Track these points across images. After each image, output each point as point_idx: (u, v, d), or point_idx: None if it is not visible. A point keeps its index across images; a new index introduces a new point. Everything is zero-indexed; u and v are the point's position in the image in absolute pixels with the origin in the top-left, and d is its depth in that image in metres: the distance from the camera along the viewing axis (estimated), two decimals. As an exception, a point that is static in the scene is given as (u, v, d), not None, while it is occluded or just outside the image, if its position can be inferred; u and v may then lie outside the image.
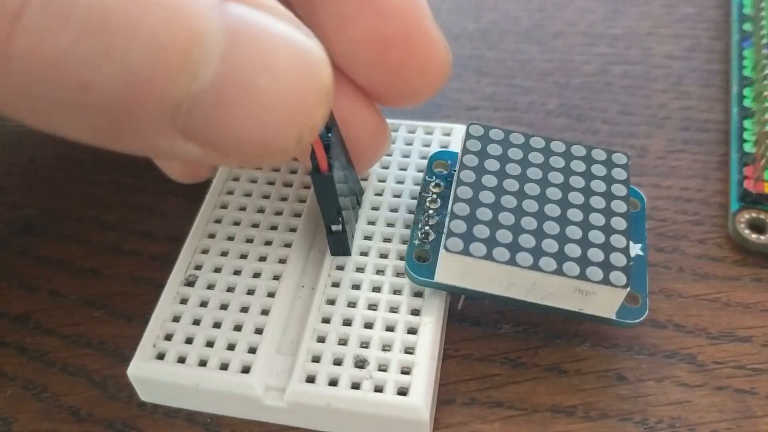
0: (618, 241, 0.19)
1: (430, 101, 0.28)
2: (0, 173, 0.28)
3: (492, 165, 0.20)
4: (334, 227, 0.20)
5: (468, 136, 0.20)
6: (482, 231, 0.18)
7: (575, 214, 0.19)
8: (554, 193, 0.19)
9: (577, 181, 0.20)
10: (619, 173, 0.20)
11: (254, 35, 0.13)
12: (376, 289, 0.20)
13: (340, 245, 0.21)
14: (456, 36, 0.31)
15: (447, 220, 0.19)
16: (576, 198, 0.19)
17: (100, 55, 0.12)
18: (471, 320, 0.22)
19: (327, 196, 0.19)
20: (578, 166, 0.20)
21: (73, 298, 0.24)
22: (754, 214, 0.23)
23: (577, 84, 0.29)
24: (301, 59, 0.14)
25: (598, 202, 0.19)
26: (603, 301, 0.19)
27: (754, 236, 0.23)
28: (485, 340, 0.22)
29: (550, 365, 0.21)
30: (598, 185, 0.20)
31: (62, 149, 0.29)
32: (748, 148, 0.25)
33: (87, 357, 0.23)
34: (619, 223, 0.19)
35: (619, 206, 0.19)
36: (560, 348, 0.22)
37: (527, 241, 0.18)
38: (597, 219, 0.19)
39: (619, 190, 0.20)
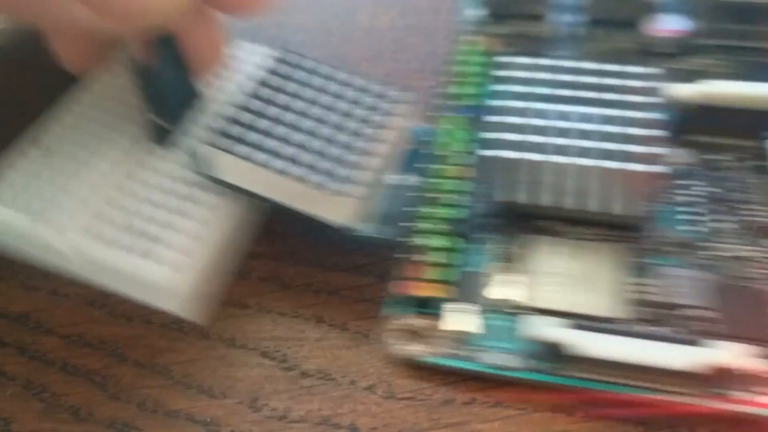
0: (361, 160, 0.22)
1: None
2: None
3: (277, 82, 0.23)
4: (154, 118, 0.23)
5: (273, 59, 0.24)
6: (251, 137, 0.22)
7: (330, 133, 0.22)
8: (317, 112, 0.23)
9: (341, 105, 0.23)
10: (388, 107, 0.23)
11: None
12: (176, 179, 0.23)
13: (157, 136, 0.24)
14: None
15: (225, 123, 0.22)
16: (334, 119, 0.23)
17: None
18: (471, 320, 0.22)
19: (148, 88, 0.23)
20: (350, 93, 0.23)
21: (73, 298, 0.24)
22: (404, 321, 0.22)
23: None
24: None
25: (356, 126, 0.23)
26: (337, 209, 0.22)
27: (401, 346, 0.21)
28: (485, 339, 0.22)
29: (550, 365, 0.21)
30: (361, 112, 0.23)
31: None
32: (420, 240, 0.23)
33: (87, 357, 0.23)
34: (367, 146, 0.22)
35: (375, 133, 0.22)
36: (560, 348, 0.22)
37: (281, 148, 0.22)
38: (347, 139, 0.22)
39: (381, 119, 0.23)
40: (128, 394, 0.22)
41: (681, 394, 0.20)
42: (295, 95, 0.23)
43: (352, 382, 0.22)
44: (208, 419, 0.21)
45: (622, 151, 0.22)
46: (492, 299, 0.22)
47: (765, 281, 0.22)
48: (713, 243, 0.23)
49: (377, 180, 0.22)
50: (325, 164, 0.22)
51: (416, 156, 0.24)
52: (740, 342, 0.20)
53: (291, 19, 0.33)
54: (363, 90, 0.23)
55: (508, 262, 0.23)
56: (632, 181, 0.22)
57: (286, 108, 0.23)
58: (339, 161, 0.22)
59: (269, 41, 0.32)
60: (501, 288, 0.22)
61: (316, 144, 0.22)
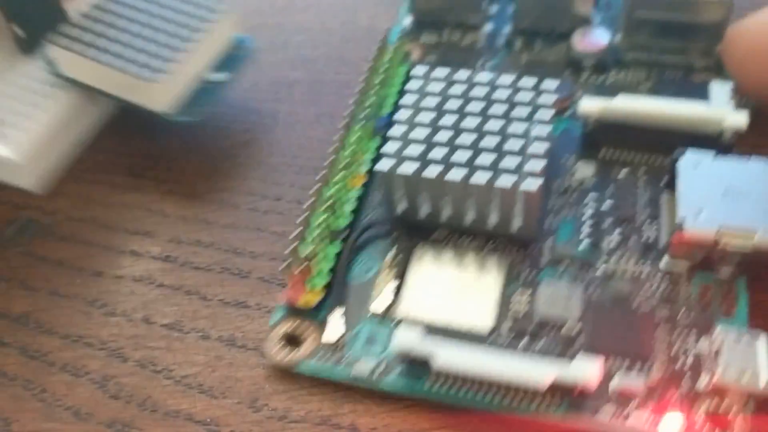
0: (172, 55, 0.26)
1: None
2: None
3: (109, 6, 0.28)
4: (15, 29, 0.28)
5: None
6: (88, 37, 0.27)
7: (152, 34, 0.26)
8: (143, 18, 0.27)
9: (164, 12, 0.27)
10: (208, 15, 0.27)
11: None
12: (29, 78, 0.28)
13: (19, 45, 0.28)
14: None
15: (69, 28, 0.27)
16: (158, 24, 0.27)
17: None
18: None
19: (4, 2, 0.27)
20: (174, 3, 0.27)
21: (73, 298, 0.24)
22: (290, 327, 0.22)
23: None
24: None
25: (175, 29, 0.27)
26: (152, 95, 0.26)
27: (285, 353, 0.22)
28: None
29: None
30: (182, 19, 0.27)
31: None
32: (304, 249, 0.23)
33: (87, 357, 0.23)
34: (179, 44, 0.26)
35: (192, 35, 0.26)
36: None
37: (113, 47, 0.26)
38: (166, 40, 0.26)
39: (199, 24, 0.27)
40: (128, 394, 0.22)
41: (548, 411, 0.20)
42: (123, 3, 0.28)
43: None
44: (208, 419, 0.21)
45: (505, 169, 0.22)
46: (376, 310, 0.22)
47: (648, 300, 0.22)
48: (604, 259, 0.23)
49: (193, 74, 0.27)
50: (145, 58, 0.26)
51: (234, 59, 0.28)
52: (612, 359, 0.20)
53: (291, 19, 0.33)
54: (186, 1, 0.28)
55: (396, 272, 0.23)
56: (515, 197, 0.22)
57: (118, 15, 0.27)
58: (158, 57, 0.26)
59: (269, 40, 0.32)
60: (385, 299, 0.22)
61: (140, 42, 0.26)
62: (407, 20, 0.31)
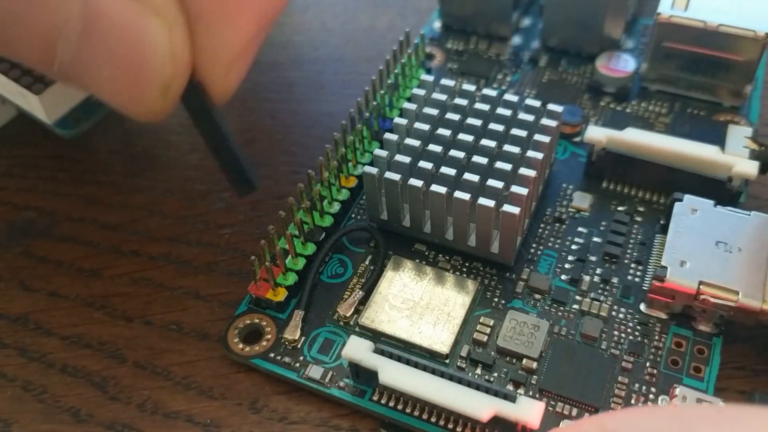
0: None
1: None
2: (0, 173, 0.28)
3: None
4: None
5: None
6: None
7: None
8: None
9: None
10: None
11: (104, 27, 0.15)
12: None
13: None
14: None
15: None
16: None
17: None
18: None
19: None
20: None
21: (73, 299, 0.24)
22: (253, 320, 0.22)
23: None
24: (138, 54, 0.15)
25: None
26: (39, 105, 0.26)
27: (245, 348, 0.22)
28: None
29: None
30: None
31: (62, 150, 0.29)
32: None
33: (87, 357, 0.23)
34: None
35: None
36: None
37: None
38: None
39: None
40: (128, 395, 0.22)
41: None
42: None
43: (352, 384, 0.22)
44: (208, 421, 0.21)
45: (490, 189, 0.21)
46: (339, 315, 0.22)
47: (616, 346, 0.21)
48: (580, 296, 0.22)
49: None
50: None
51: None
52: (563, 403, 0.20)
53: (291, 19, 0.33)
54: None
55: (367, 280, 0.23)
56: (494, 219, 0.21)
57: None
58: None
59: (269, 40, 0.32)
60: (351, 305, 0.22)
61: None
62: (436, 24, 0.31)
